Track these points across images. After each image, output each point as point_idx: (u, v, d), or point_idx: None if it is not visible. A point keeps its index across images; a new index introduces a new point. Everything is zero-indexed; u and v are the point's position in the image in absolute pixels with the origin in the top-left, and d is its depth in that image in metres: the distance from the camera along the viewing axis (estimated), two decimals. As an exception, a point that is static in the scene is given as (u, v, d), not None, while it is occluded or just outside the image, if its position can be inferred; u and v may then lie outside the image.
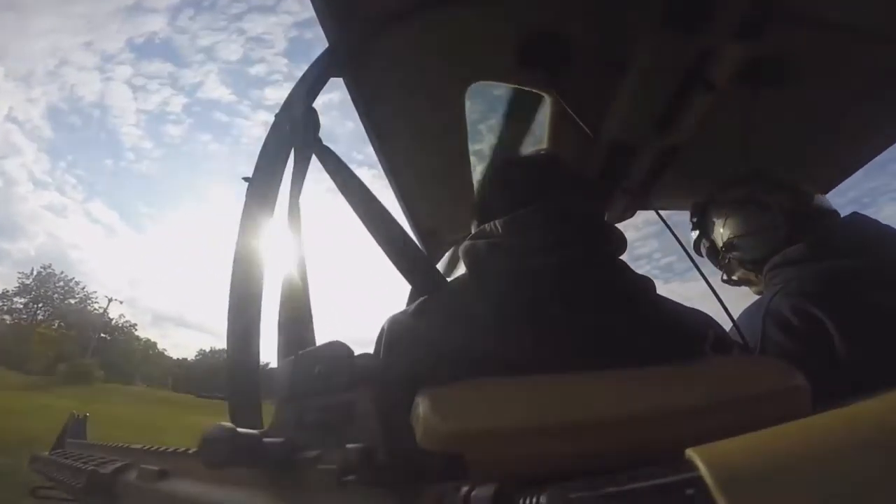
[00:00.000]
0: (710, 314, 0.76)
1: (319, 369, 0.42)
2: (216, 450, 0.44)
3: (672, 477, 0.26)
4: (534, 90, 1.11)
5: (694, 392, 0.48)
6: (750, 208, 1.04)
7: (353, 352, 0.41)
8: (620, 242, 0.69)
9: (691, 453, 0.25)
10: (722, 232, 1.10)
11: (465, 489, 0.32)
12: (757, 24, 0.83)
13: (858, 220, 0.97)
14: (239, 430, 0.44)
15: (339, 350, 0.42)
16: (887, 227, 0.93)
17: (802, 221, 0.98)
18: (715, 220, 1.12)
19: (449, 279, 0.79)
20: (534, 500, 0.30)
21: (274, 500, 0.48)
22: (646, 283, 0.66)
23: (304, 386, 0.44)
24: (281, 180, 0.79)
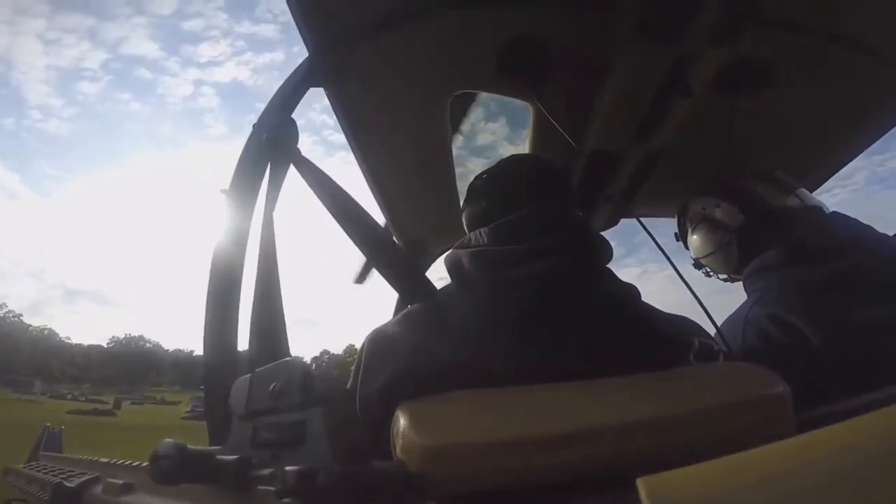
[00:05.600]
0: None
1: (274, 386, 0.41)
2: (165, 466, 0.43)
3: None
4: (516, 99, 1.10)
5: (675, 401, 0.48)
6: (704, 227, 1.06)
7: (310, 369, 0.40)
8: (606, 250, 0.68)
9: (640, 484, 0.24)
10: (690, 249, 1.13)
11: None
12: (733, 29, 0.83)
13: (837, 221, 0.96)
14: (189, 447, 0.43)
15: (295, 367, 0.41)
16: (866, 227, 0.92)
17: (754, 236, 0.97)
18: (687, 234, 1.14)
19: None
20: None
21: None
22: (631, 291, 0.65)
23: (258, 403, 0.43)
24: (258, 191, 0.77)
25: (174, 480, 0.43)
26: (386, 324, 0.67)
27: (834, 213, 0.99)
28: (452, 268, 0.68)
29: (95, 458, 0.92)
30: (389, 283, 0.79)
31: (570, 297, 0.59)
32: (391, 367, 0.58)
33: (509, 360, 0.55)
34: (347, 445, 0.37)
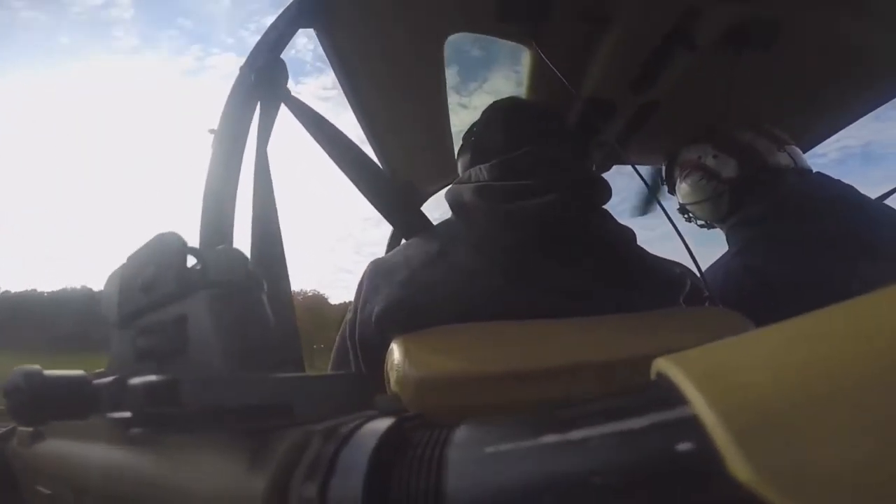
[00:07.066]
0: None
1: (146, 276, 0.28)
2: (18, 401, 0.31)
3: (662, 412, 0.15)
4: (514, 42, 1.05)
5: (658, 340, 0.50)
6: (698, 175, 1.05)
7: (186, 243, 0.27)
8: (606, 191, 0.68)
9: (662, 363, 0.16)
10: (678, 194, 1.14)
11: (351, 424, 0.20)
12: None
13: (822, 181, 0.97)
14: (47, 372, 0.31)
15: (169, 243, 0.28)
16: (849, 188, 0.93)
17: (748, 189, 0.99)
18: (675, 179, 1.15)
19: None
20: (440, 437, 0.19)
21: (133, 454, 0.36)
22: (627, 233, 0.66)
23: (132, 302, 0.30)
24: (248, 132, 0.76)
25: (34, 418, 0.32)
26: (385, 255, 0.68)
27: (818, 173, 0.99)
28: (453, 201, 0.68)
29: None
30: (386, 217, 0.81)
31: (570, 234, 0.60)
32: (386, 297, 0.58)
33: (506, 293, 0.56)
34: (249, 348, 0.25)
